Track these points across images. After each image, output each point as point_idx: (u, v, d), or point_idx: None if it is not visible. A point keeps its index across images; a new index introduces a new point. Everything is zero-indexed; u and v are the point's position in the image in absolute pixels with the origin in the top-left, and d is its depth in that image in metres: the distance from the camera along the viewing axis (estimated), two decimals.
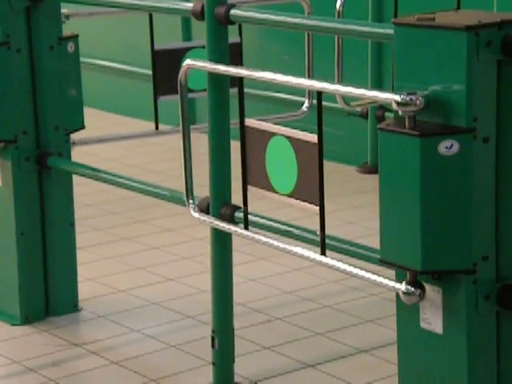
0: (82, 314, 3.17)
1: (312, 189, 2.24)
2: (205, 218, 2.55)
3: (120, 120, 5.46)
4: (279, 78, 2.30)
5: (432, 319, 2.05)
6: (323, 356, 2.86)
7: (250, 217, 2.50)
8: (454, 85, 1.96)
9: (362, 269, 2.17)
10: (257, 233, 2.44)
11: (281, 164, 2.32)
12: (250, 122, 2.41)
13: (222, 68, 2.46)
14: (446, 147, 1.95)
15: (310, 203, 2.26)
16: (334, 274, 3.09)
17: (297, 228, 2.42)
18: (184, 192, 2.58)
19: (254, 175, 2.41)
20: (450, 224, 1.98)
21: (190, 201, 2.56)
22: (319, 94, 2.20)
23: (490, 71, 1.97)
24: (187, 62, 2.51)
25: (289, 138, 2.29)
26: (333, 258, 2.23)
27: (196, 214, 2.56)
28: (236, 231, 2.48)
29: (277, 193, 2.35)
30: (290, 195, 2.32)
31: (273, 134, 2.34)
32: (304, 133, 2.26)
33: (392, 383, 2.50)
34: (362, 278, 2.15)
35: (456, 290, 2.02)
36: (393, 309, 2.17)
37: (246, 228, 2.45)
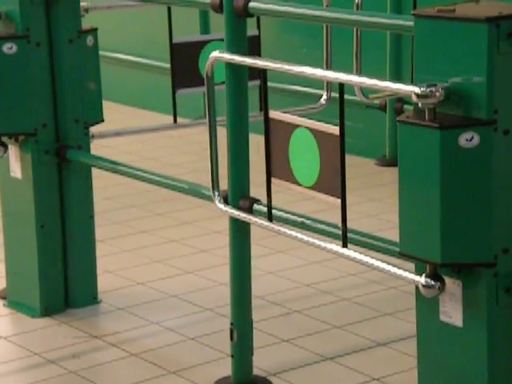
0: (101, 307, 3.18)
1: (334, 181, 2.23)
2: (231, 210, 2.55)
3: (139, 113, 5.47)
4: (306, 70, 2.30)
5: (452, 312, 2.05)
6: (342, 349, 2.86)
7: (266, 209, 2.51)
8: (475, 77, 1.94)
9: (382, 261, 2.16)
10: (281, 225, 2.44)
11: (304, 156, 2.32)
12: (273, 113, 2.41)
13: (247, 60, 2.46)
14: (467, 139, 1.94)
15: (332, 196, 2.26)
16: (353, 266, 3.08)
17: (316, 221, 2.42)
18: (210, 184, 2.58)
19: (277, 167, 2.41)
20: (470, 217, 1.97)
21: (216, 193, 2.57)
22: (341, 87, 2.19)
23: (510, 63, 1.96)
24: (214, 53, 2.50)
25: (312, 130, 2.29)
26: (354, 251, 2.23)
27: (222, 206, 2.56)
28: (262, 224, 2.48)
29: (300, 185, 2.35)
30: (313, 187, 2.32)
31: (296, 126, 2.34)
32: (327, 125, 2.26)
33: (411, 376, 2.50)
34: (383, 270, 2.15)
35: (476, 282, 2.01)
36: (412, 302, 2.17)
37: (270, 220, 2.46)
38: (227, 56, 2.49)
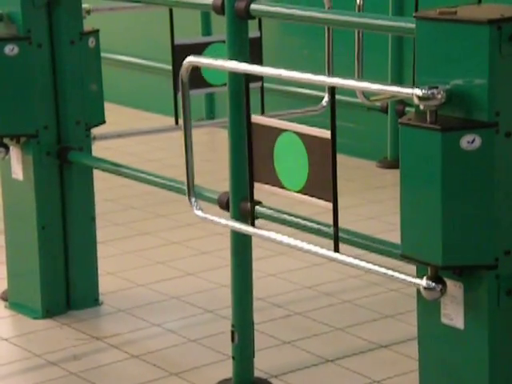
0: (102, 308, 3.19)
1: (325, 185, 2.23)
2: (211, 217, 2.51)
3: (140, 115, 5.47)
4: (285, 73, 2.28)
5: (453, 314, 2.05)
6: (343, 351, 2.85)
7: (269, 212, 2.50)
8: (476, 79, 1.94)
9: (380, 265, 2.16)
10: (264, 229, 2.42)
11: (290, 160, 2.31)
12: (256, 118, 2.40)
13: (223, 64, 2.45)
14: (468, 142, 1.94)
15: (323, 199, 2.24)
16: (354, 269, 3.07)
17: (316, 223, 2.42)
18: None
19: (262, 172, 2.40)
20: (472, 219, 1.97)
21: (193, 199, 2.55)
22: (333, 90, 2.19)
23: None
24: (188, 59, 2.50)
25: (299, 134, 2.28)
26: (348, 255, 2.22)
27: (199, 213, 2.54)
28: (239, 228, 2.47)
29: (286, 189, 2.34)
30: (301, 192, 2.30)
31: (282, 131, 2.33)
32: (316, 128, 2.25)
33: (412, 379, 2.50)
34: (380, 273, 2.14)
35: (478, 285, 2.01)
36: (413, 304, 2.16)
37: (253, 224, 2.45)
38: (202, 61, 2.50)
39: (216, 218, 2.52)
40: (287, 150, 2.32)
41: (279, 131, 2.33)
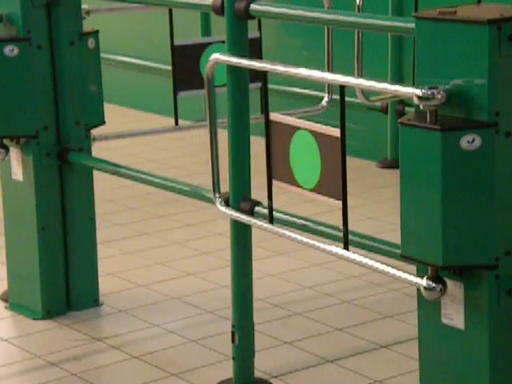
0: (102, 309, 3.19)
1: (335, 183, 2.24)
2: (232, 212, 2.55)
3: (140, 116, 5.48)
4: (304, 72, 2.30)
5: (454, 314, 2.05)
6: (343, 351, 2.85)
7: (266, 211, 2.51)
8: (476, 79, 1.94)
9: (383, 264, 2.16)
10: (282, 228, 2.44)
11: (304, 158, 2.32)
12: (274, 116, 2.41)
13: (247, 63, 2.46)
14: (468, 142, 1.95)
15: (333, 198, 2.26)
16: (354, 269, 3.08)
17: (317, 223, 2.42)
18: (211, 187, 2.57)
19: (278, 169, 2.41)
20: (472, 219, 1.97)
21: (217, 195, 2.56)
22: (342, 89, 2.19)
23: None
24: (214, 56, 2.50)
25: (312, 132, 2.29)
26: (355, 253, 2.23)
27: (223, 209, 2.56)
28: (262, 226, 2.48)
29: (301, 187, 2.35)
30: (314, 190, 2.32)
31: (296, 128, 2.34)
32: (327, 127, 2.26)
33: (413, 379, 2.50)
34: (384, 272, 2.15)
35: (478, 285, 2.01)
36: (413, 304, 2.17)
37: (271, 222, 2.45)
38: (229, 59, 2.49)
39: (239, 215, 2.52)
40: (302, 147, 2.33)
41: (294, 129, 2.34)
